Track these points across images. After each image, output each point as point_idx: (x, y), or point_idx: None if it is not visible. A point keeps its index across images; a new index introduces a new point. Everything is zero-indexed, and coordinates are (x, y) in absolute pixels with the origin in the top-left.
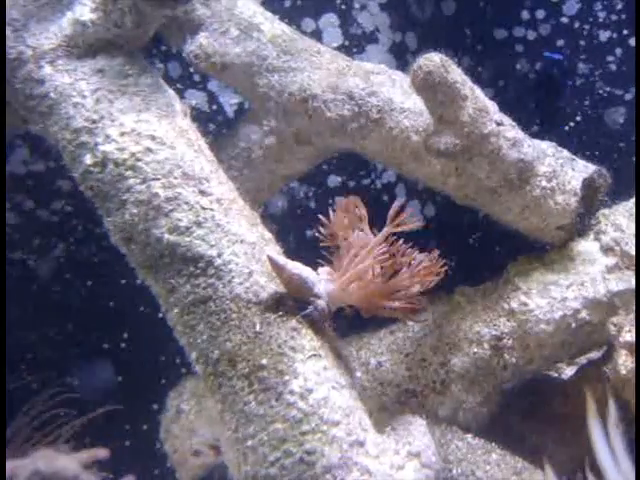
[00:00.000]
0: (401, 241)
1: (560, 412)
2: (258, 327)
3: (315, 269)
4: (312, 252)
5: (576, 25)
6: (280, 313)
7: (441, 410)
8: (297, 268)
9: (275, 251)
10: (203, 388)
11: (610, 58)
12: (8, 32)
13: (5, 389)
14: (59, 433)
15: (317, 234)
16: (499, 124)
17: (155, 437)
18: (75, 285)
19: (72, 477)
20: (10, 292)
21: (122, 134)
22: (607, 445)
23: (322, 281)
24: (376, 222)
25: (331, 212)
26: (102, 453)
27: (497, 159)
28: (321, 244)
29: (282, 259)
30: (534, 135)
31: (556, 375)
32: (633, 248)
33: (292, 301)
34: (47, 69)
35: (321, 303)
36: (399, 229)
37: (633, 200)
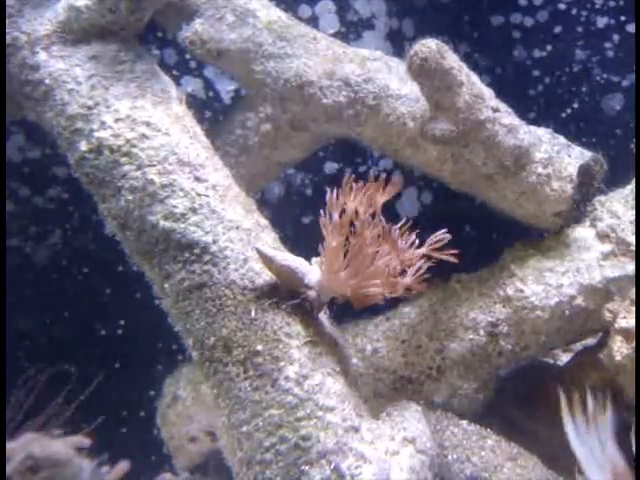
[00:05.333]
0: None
1: (555, 398)
2: (253, 313)
3: (314, 257)
4: (309, 239)
5: (573, 11)
6: (275, 299)
7: (437, 396)
8: (286, 259)
9: (271, 238)
10: (199, 374)
11: (607, 44)
12: None
13: (5, 383)
14: (52, 418)
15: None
16: (495, 110)
17: (152, 423)
18: (72, 272)
19: (65, 461)
20: (7, 280)
21: (117, 120)
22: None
23: (314, 271)
24: None
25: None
26: (84, 442)
27: (493, 145)
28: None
29: (271, 251)
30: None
31: (552, 361)
32: (629, 235)
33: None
34: (42, 55)
35: (311, 294)
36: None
37: (629, 187)
